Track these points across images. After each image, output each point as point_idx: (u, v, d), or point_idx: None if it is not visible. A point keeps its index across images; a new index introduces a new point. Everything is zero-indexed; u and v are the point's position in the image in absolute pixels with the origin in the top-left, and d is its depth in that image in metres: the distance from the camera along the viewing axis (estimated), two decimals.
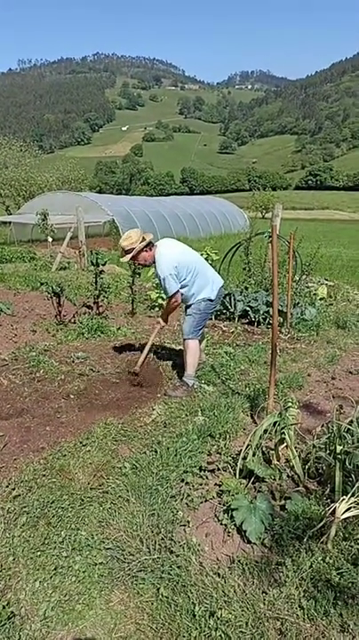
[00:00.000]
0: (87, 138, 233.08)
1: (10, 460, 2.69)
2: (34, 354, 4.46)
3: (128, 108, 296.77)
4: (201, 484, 2.47)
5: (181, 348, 4.67)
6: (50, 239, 12.49)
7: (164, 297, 3.81)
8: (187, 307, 3.89)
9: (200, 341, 4.23)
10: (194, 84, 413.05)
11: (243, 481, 2.42)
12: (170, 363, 4.37)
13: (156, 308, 6.55)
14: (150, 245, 3.70)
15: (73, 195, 21.00)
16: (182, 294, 3.76)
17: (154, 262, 3.71)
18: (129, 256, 3.66)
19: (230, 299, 6.21)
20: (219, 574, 1.92)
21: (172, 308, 3.84)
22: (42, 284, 5.54)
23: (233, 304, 6.15)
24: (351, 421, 2.48)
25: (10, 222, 20.59)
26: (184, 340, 3.90)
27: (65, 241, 10.99)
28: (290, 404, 2.71)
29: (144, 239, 3.65)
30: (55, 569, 1.94)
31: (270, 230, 3.27)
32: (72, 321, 5.59)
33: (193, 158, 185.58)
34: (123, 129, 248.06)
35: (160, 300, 6.40)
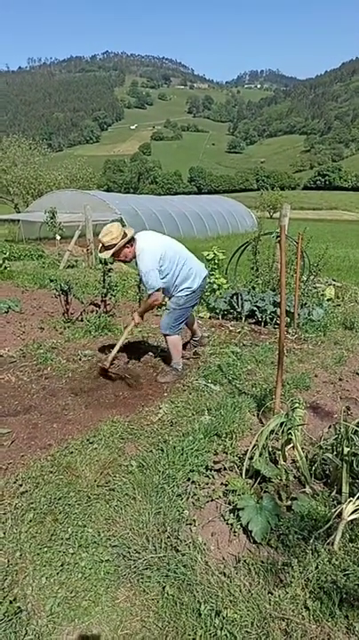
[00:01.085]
0: (96, 136, 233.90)
1: (17, 456, 2.71)
2: (41, 351, 4.49)
3: (137, 106, 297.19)
4: (207, 484, 2.47)
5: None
6: (58, 237, 12.54)
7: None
8: (169, 298, 3.86)
9: (190, 325, 4.19)
10: (203, 83, 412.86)
11: (250, 481, 2.42)
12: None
13: (163, 307, 6.55)
14: (132, 241, 3.59)
15: (81, 193, 21.07)
16: (165, 283, 3.69)
17: (134, 258, 3.63)
18: (110, 252, 3.52)
19: (237, 298, 6.20)
20: (224, 574, 1.92)
21: (151, 306, 3.74)
22: (52, 280, 5.56)
23: (240, 304, 6.14)
24: (358, 423, 2.47)
25: (18, 220, 20.69)
26: (163, 334, 3.92)
27: (73, 239, 11.03)
28: (296, 404, 2.70)
29: (125, 235, 3.53)
30: (62, 565, 1.95)
31: (278, 230, 3.27)
32: (79, 319, 5.61)
33: (201, 157, 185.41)
34: (132, 128, 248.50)
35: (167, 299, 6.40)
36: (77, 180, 33.22)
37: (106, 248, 3.56)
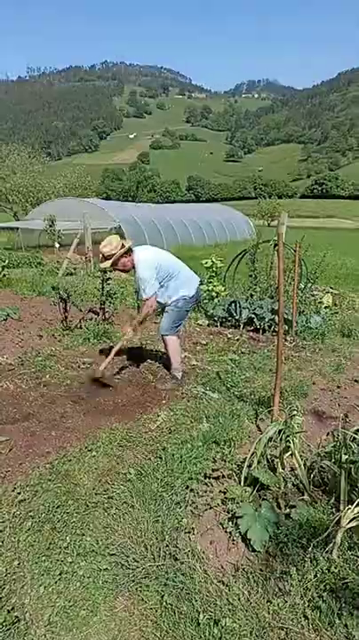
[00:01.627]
0: (95, 145, 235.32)
1: (15, 464, 2.70)
2: (40, 359, 4.49)
3: (135, 115, 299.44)
4: (205, 492, 2.46)
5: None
6: (57, 245, 12.59)
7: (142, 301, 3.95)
8: (166, 305, 4.03)
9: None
10: (201, 93, 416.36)
11: (248, 489, 2.42)
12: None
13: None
14: (130, 251, 3.84)
15: (80, 201, 21.14)
16: (160, 294, 3.90)
17: (132, 268, 3.86)
18: (109, 262, 3.78)
19: (236, 306, 6.22)
20: (223, 582, 1.92)
21: (147, 313, 3.92)
22: (54, 288, 5.58)
23: (238, 311, 6.16)
24: (357, 430, 2.48)
25: (17, 228, 20.74)
26: (162, 336, 4.06)
27: (72, 247, 11.08)
28: (295, 412, 2.71)
29: (123, 245, 3.80)
30: (60, 574, 1.94)
31: (276, 238, 3.31)
32: (78, 326, 5.62)
33: (199, 166, 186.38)
34: (131, 137, 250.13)
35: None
36: (76, 189, 33.39)
37: (106, 258, 3.80)
